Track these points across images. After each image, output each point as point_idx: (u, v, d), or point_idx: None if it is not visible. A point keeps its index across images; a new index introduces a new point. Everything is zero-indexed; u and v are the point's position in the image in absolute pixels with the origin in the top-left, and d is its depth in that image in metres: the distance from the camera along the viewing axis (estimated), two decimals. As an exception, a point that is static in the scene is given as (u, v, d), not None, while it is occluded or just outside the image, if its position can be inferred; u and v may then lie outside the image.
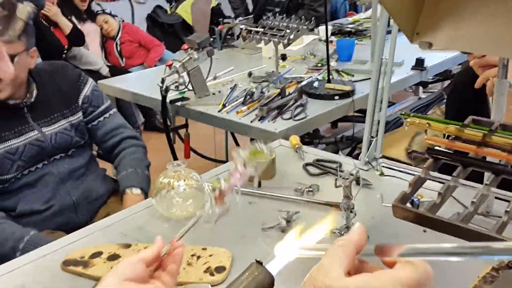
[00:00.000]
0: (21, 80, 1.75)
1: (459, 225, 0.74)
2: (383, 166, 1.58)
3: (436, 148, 0.90)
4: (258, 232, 1.33)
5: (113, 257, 1.22)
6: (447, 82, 4.03)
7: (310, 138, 2.79)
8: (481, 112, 1.34)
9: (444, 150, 0.89)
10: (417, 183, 0.89)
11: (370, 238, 1.26)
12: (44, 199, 1.80)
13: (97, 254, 1.23)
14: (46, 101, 1.84)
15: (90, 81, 1.99)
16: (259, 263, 0.67)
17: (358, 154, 1.85)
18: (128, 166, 1.91)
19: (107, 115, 1.98)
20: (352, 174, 1.30)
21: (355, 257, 0.54)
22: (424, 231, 1.19)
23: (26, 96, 1.78)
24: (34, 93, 1.81)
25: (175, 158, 2.50)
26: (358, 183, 1.48)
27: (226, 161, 2.46)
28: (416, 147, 2.41)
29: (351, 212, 1.28)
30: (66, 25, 4.11)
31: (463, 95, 1.84)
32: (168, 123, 2.53)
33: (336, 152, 2.45)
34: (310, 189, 1.50)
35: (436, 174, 0.90)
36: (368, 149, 1.60)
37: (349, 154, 2.75)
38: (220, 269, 1.17)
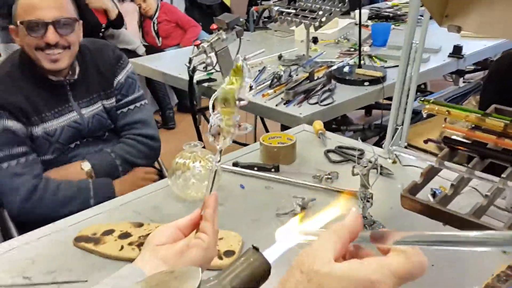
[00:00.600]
0: (75, 53, 1.73)
1: (468, 218, 0.70)
2: (397, 155, 1.52)
3: (453, 137, 0.85)
4: (271, 217, 1.30)
5: (125, 236, 1.22)
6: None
7: (338, 124, 2.73)
8: None
9: (461, 139, 0.84)
10: (430, 173, 0.84)
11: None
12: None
13: (109, 232, 1.23)
14: (87, 80, 1.79)
15: (128, 66, 1.90)
16: (256, 249, 0.64)
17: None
18: (111, 149, 1.83)
19: (132, 106, 1.88)
20: (370, 162, 1.25)
21: (348, 242, 0.52)
22: (444, 224, 1.13)
23: (69, 73, 1.74)
24: (77, 70, 1.76)
25: (200, 140, 2.49)
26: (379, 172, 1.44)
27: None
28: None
29: (367, 201, 1.23)
30: (113, 10, 4.13)
31: (500, 84, 1.76)
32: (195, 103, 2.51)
33: (364, 140, 2.38)
34: (329, 176, 1.46)
35: (450, 164, 0.85)
36: (392, 138, 1.54)
37: (377, 142, 2.68)
38: (229, 253, 1.15)
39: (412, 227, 1.19)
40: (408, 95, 1.50)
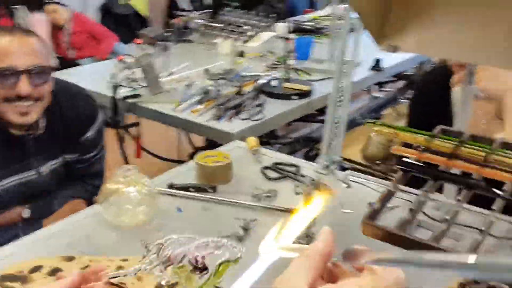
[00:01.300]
0: (46, 105, 1.52)
1: (434, 245, 0.70)
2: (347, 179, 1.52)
3: (406, 160, 0.85)
4: (213, 242, 1.25)
5: (55, 271, 1.12)
6: (401, 82, 4.06)
7: (267, 137, 2.73)
8: (447, 114, 1.31)
9: (415, 162, 0.84)
10: (386, 197, 0.84)
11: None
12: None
13: (37, 268, 1.12)
14: (51, 134, 1.59)
15: (99, 118, 1.71)
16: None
17: (315, 155, 1.80)
18: (55, 195, 1.68)
19: (93, 159, 1.74)
20: (313, 180, 1.25)
21: (322, 266, 0.51)
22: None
23: (32, 127, 1.53)
24: (42, 123, 1.55)
25: (125, 158, 2.39)
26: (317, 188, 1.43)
27: (179, 161, 2.36)
28: (372, 147, 2.39)
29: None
30: None
31: (428, 96, 1.82)
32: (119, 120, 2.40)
33: (293, 153, 2.39)
34: (268, 194, 1.43)
35: (406, 188, 0.86)
36: (327, 152, 1.55)
37: (306, 154, 2.71)
38: (172, 284, 1.09)
39: (355, 241, 1.19)
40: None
